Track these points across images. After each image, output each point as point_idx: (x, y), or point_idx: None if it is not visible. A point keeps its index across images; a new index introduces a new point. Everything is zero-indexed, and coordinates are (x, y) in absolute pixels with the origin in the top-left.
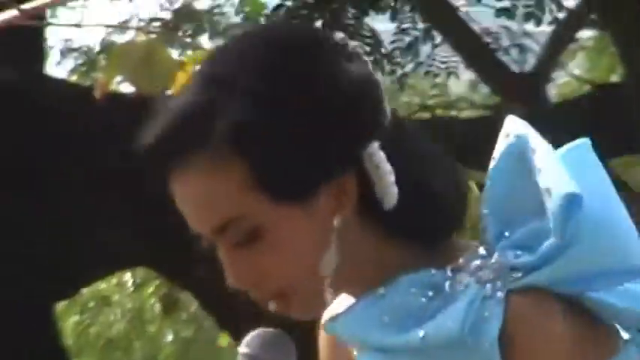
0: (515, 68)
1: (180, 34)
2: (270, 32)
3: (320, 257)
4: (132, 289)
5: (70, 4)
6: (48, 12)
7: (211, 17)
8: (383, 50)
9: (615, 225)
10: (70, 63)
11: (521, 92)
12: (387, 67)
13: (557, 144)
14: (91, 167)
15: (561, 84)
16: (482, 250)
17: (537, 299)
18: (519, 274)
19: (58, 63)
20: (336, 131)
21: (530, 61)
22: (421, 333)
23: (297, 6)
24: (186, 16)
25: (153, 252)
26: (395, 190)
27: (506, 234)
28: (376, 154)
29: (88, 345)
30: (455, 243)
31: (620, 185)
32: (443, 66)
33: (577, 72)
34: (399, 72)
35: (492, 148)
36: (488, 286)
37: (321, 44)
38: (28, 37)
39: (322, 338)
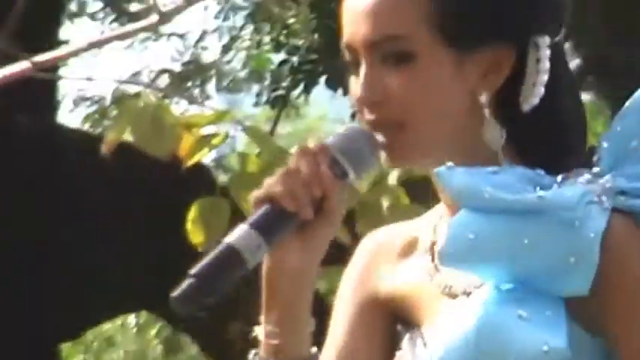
0: None
1: (189, 84)
2: None
3: (469, 120)
4: (135, 330)
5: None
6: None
7: (219, 70)
8: None
9: None
10: (82, 110)
11: None
12: None
13: None
14: (100, 213)
15: None
16: (595, 170)
17: (635, 225)
18: (625, 198)
19: (71, 111)
20: (515, 4)
21: None
22: (540, 193)
23: (302, 61)
24: (194, 68)
25: (155, 295)
26: (542, 91)
27: (619, 168)
28: (544, 48)
29: None
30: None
31: None
32: None
33: None
34: None
35: None
36: (593, 195)
37: None
38: (41, 86)
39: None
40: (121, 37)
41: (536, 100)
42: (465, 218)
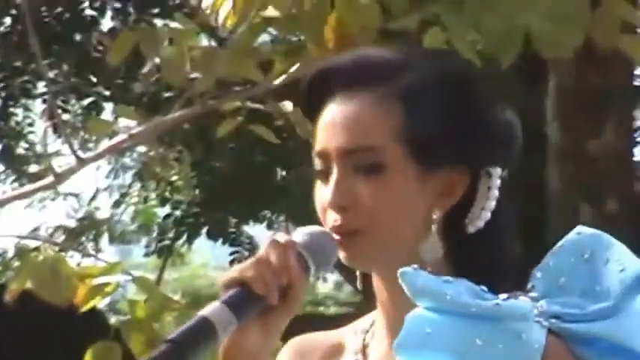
0: None
1: (83, 238)
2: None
3: (415, 234)
4: None
5: None
6: None
7: (110, 224)
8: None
9: None
10: None
11: None
12: None
13: None
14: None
15: None
16: (532, 294)
17: (566, 346)
18: (558, 321)
19: None
20: (477, 137)
21: None
22: (497, 301)
23: (184, 215)
24: (88, 223)
25: None
26: (488, 216)
27: (554, 297)
28: (496, 177)
29: None
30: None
31: None
32: None
33: None
34: None
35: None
36: (534, 312)
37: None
38: None
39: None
40: (20, 196)
41: (481, 224)
42: (424, 314)
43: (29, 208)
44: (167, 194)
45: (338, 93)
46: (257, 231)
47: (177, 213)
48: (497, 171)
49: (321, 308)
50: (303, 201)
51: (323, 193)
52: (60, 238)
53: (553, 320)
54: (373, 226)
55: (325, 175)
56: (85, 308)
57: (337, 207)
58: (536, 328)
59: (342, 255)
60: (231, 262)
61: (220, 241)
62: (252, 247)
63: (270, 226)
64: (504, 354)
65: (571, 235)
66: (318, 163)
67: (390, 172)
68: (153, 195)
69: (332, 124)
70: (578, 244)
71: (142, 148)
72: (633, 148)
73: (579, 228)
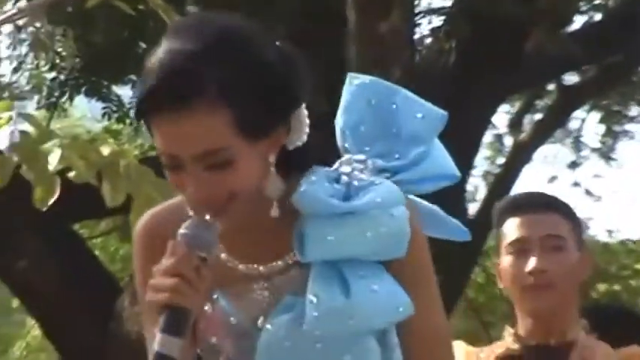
0: None
1: None
2: (229, 19)
3: (262, 182)
4: None
5: None
6: None
7: (10, 88)
8: (124, 109)
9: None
10: None
11: None
12: (127, 121)
13: None
14: None
15: None
16: (356, 156)
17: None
18: (388, 175)
19: None
20: (284, 97)
21: None
22: (378, 199)
23: (68, 78)
24: None
25: None
26: (305, 136)
27: (367, 148)
28: (302, 112)
29: None
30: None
31: None
32: None
33: None
34: (135, 124)
35: None
36: (374, 177)
37: (262, 30)
38: None
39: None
40: None
41: (301, 141)
42: (321, 224)
43: None
44: (55, 62)
45: (163, 110)
46: (124, 91)
47: (62, 77)
48: (302, 109)
49: None
50: None
51: (184, 187)
52: None
53: (385, 175)
54: (234, 201)
55: (174, 169)
56: None
57: (204, 202)
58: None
59: (219, 225)
60: (103, 115)
61: (95, 98)
62: (120, 104)
63: (133, 87)
64: (389, 234)
65: (350, 87)
66: (165, 160)
67: (238, 160)
68: (43, 62)
69: (172, 135)
70: (361, 92)
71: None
72: (413, 29)
73: (353, 77)
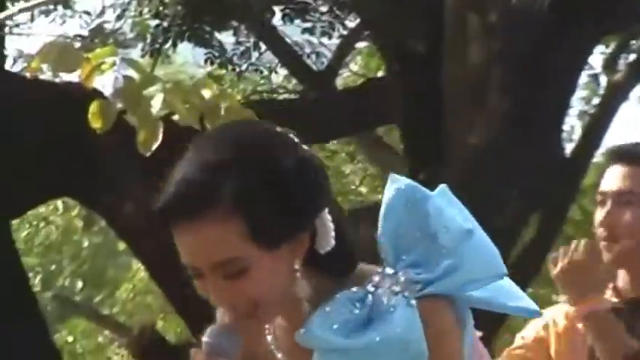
0: (314, 67)
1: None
2: (245, 127)
3: (288, 289)
4: (62, 211)
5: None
6: None
7: (115, 34)
8: (227, 55)
9: (484, 245)
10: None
11: (318, 83)
12: (230, 67)
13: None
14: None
15: (345, 77)
16: (388, 270)
17: (435, 301)
18: (420, 286)
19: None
20: (302, 205)
21: (325, 63)
22: (377, 338)
23: (171, 25)
24: (98, 33)
25: (72, 185)
26: (332, 240)
27: (404, 257)
28: (325, 216)
29: (34, 248)
30: (363, 268)
31: None
32: (267, 65)
33: (355, 69)
34: (238, 69)
35: (302, 117)
36: (400, 296)
37: (282, 135)
38: None
39: None
40: (37, 5)
41: (330, 246)
42: (327, 356)
43: (53, 23)
44: (158, 9)
45: (179, 222)
46: (226, 37)
47: (165, 24)
48: (324, 214)
49: (275, 95)
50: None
51: (206, 291)
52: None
53: (417, 287)
54: (260, 307)
55: (198, 277)
56: (89, 84)
57: (226, 307)
58: (413, 317)
59: (245, 328)
60: (206, 61)
61: (198, 44)
62: (222, 49)
63: (235, 33)
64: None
65: (389, 192)
66: (190, 269)
67: (254, 269)
68: (146, 10)
69: (189, 246)
70: (398, 198)
71: None
72: None
73: (394, 180)
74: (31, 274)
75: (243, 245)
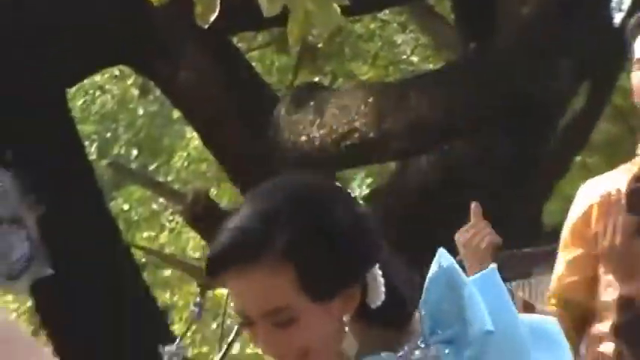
0: None
1: None
2: (303, 180)
3: (337, 342)
4: (118, 79)
5: None
6: None
7: None
8: None
9: (511, 339)
10: None
11: None
12: None
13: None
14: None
15: None
16: (420, 342)
17: None
18: None
19: None
20: (357, 254)
21: None
22: None
23: None
24: None
25: (128, 54)
26: (382, 296)
27: (439, 332)
28: (376, 272)
29: (90, 117)
30: (408, 326)
31: None
32: None
33: None
34: None
35: None
36: None
37: (338, 190)
38: None
39: None
40: None
41: (380, 301)
42: None
43: None
44: None
45: (231, 269)
46: None
47: None
48: (375, 269)
49: None
50: None
51: (259, 343)
52: None
53: None
54: (308, 356)
55: (248, 326)
56: None
57: (275, 356)
58: None
59: None
60: None
61: None
62: None
63: None
64: None
65: (435, 266)
66: (241, 317)
67: (302, 319)
68: None
69: (240, 293)
70: (442, 274)
71: None
72: None
73: (442, 256)
74: (87, 143)
75: (294, 295)
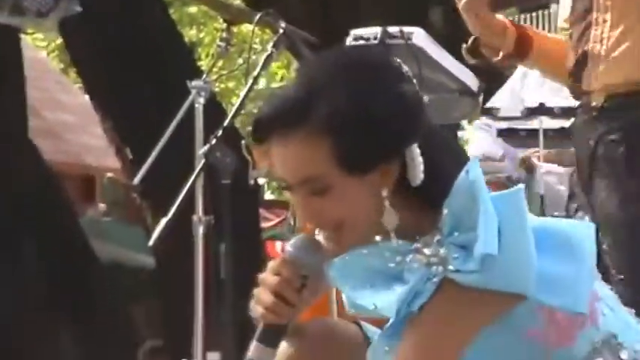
0: None
1: None
2: (357, 52)
3: (375, 216)
4: None
5: None
6: None
7: None
8: None
9: (517, 262)
10: None
11: None
12: None
13: None
14: None
15: None
16: (436, 239)
17: (453, 291)
18: (453, 269)
19: None
20: (394, 132)
21: None
22: (372, 306)
23: None
24: None
25: None
26: (421, 175)
27: (456, 234)
28: (415, 151)
29: None
30: (435, 214)
31: None
32: None
33: None
34: None
35: None
36: (433, 268)
37: (389, 66)
38: None
39: None
40: None
41: (419, 180)
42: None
43: None
44: None
45: (272, 137)
46: None
47: None
48: (413, 147)
49: None
50: None
51: (298, 210)
52: None
53: (451, 268)
54: (344, 229)
55: (290, 191)
56: None
57: (311, 224)
58: (423, 290)
59: (330, 251)
60: None
61: None
62: None
63: None
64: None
65: (463, 173)
66: (282, 182)
67: (337, 189)
68: None
69: (280, 160)
70: (467, 184)
71: None
72: None
73: (473, 163)
74: None
75: (328, 165)
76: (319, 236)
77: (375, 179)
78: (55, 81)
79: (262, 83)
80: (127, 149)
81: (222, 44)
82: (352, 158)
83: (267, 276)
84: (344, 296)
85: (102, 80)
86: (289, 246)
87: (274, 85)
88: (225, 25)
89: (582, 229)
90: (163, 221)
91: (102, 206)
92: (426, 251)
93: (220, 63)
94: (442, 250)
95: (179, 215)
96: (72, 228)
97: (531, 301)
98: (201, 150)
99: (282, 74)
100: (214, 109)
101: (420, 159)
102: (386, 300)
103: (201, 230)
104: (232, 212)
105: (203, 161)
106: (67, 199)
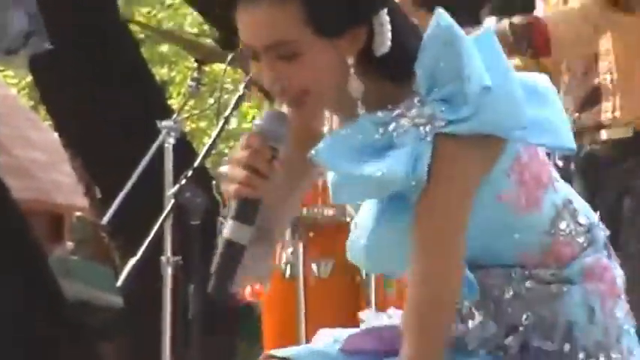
0: None
1: None
2: None
3: (341, 83)
4: None
5: None
6: None
7: None
8: None
9: (504, 101)
10: None
11: None
12: None
13: None
14: None
15: None
16: (416, 100)
17: (452, 141)
18: (443, 123)
19: None
20: None
21: None
22: (379, 173)
23: None
24: None
25: None
26: (389, 43)
27: (435, 90)
28: (384, 17)
29: None
30: (410, 87)
31: None
32: None
33: None
34: None
35: None
36: (421, 128)
37: None
38: None
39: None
40: None
41: (386, 49)
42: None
43: None
44: None
45: (240, 1)
46: None
47: None
48: (383, 13)
49: None
50: None
51: (261, 74)
52: None
53: (441, 123)
54: (308, 95)
55: (255, 59)
56: None
57: (277, 90)
58: (421, 152)
59: (294, 116)
60: None
61: None
62: None
63: None
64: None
65: (432, 26)
66: (247, 49)
67: (307, 54)
68: None
69: (247, 25)
70: (439, 32)
71: None
72: None
73: (439, 15)
74: None
75: (298, 29)
76: (284, 108)
77: (343, 45)
78: (25, 118)
79: (234, 123)
80: (96, 188)
81: (194, 84)
82: (323, 19)
83: (238, 153)
84: (330, 186)
85: (71, 118)
86: (258, 119)
87: (246, 125)
88: (196, 65)
89: (541, 78)
90: (132, 261)
91: (70, 245)
92: (410, 113)
93: (191, 102)
94: (426, 109)
95: (148, 255)
96: (40, 266)
97: (519, 141)
98: (170, 190)
99: (253, 114)
100: (184, 148)
101: (389, 26)
102: (389, 164)
103: (169, 271)
104: (202, 253)
105: (172, 201)
106: (35, 237)
